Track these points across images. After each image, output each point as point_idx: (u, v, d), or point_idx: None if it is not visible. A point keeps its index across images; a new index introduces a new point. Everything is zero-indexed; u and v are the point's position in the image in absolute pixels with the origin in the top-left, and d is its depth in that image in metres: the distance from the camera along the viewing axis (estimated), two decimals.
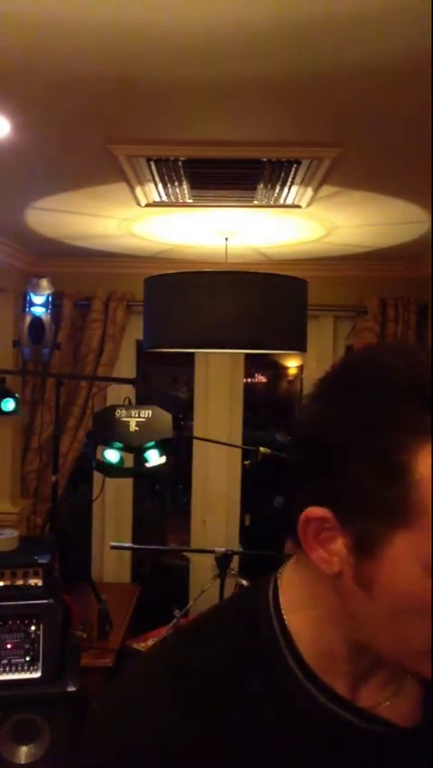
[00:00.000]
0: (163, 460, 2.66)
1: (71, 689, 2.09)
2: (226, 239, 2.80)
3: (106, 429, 2.63)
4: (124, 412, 2.63)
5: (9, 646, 2.10)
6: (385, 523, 0.55)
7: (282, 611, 0.66)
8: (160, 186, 2.15)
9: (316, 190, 2.17)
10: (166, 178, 2.07)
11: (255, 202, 2.34)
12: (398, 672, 0.66)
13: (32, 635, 2.11)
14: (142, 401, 3.05)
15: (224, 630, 0.69)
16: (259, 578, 0.73)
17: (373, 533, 0.56)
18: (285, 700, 0.63)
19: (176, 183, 2.13)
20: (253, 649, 0.65)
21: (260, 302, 2.28)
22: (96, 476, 3.45)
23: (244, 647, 0.65)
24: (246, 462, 3.71)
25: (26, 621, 2.11)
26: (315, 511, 0.59)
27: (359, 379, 0.60)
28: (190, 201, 2.34)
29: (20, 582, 2.14)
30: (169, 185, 2.15)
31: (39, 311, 3.26)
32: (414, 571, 0.55)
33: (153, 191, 2.22)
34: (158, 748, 0.61)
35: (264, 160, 1.89)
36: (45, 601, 2.12)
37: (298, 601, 0.66)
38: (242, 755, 0.61)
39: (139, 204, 2.37)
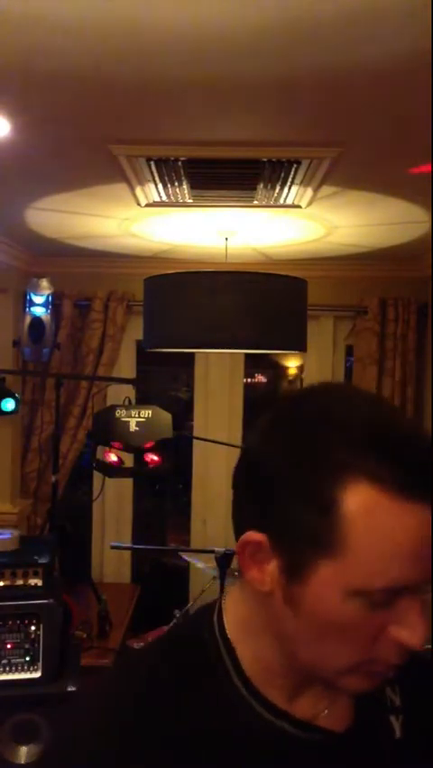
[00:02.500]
0: (163, 460, 2.66)
1: (71, 689, 2.09)
2: (226, 239, 2.81)
3: (106, 429, 2.63)
4: (124, 412, 2.63)
5: (9, 646, 2.10)
6: (312, 551, 0.59)
7: (226, 630, 0.70)
8: (160, 186, 2.15)
9: (316, 190, 2.17)
10: (166, 178, 2.07)
11: (255, 202, 2.34)
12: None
13: (32, 635, 2.11)
14: (142, 401, 3.05)
15: (170, 652, 0.73)
16: (206, 604, 0.77)
17: (300, 559, 0.60)
18: (228, 714, 0.66)
19: (176, 183, 2.13)
20: (199, 668, 0.69)
21: (260, 302, 2.28)
22: (96, 476, 3.45)
23: (189, 667, 0.69)
24: None
25: (26, 621, 2.11)
26: (252, 536, 0.63)
27: (299, 417, 0.65)
28: (190, 201, 2.34)
29: (20, 582, 2.14)
30: (169, 185, 2.15)
31: (39, 311, 3.26)
32: (335, 597, 0.59)
33: (153, 191, 2.22)
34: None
35: (264, 159, 1.89)
36: (45, 601, 2.12)
37: (240, 620, 0.70)
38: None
39: (139, 204, 2.37)
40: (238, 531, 0.66)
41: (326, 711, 0.69)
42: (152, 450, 2.64)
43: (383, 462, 0.57)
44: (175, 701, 0.67)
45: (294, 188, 2.16)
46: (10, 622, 2.09)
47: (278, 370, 4.97)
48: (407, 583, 0.58)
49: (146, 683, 0.69)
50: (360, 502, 0.57)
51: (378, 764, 0.69)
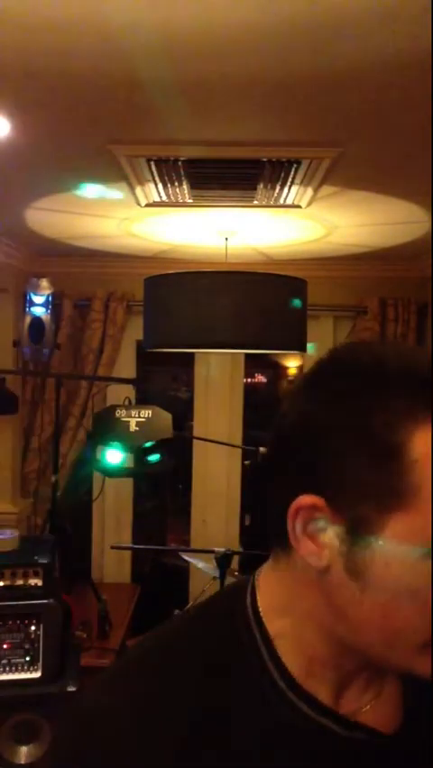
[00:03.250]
0: (163, 460, 2.66)
1: (71, 689, 2.09)
2: (226, 239, 2.80)
3: (106, 429, 2.63)
4: (124, 412, 2.63)
5: (9, 646, 2.10)
6: (380, 506, 0.54)
7: (262, 616, 0.64)
8: (160, 186, 2.15)
9: (316, 190, 2.17)
10: (166, 178, 2.07)
11: (255, 202, 2.34)
12: (377, 675, 0.65)
13: (32, 635, 2.11)
14: (142, 401, 3.05)
15: (200, 640, 0.66)
16: (234, 582, 0.71)
17: (367, 517, 0.55)
18: (268, 711, 0.61)
19: (176, 183, 2.13)
20: (234, 659, 0.63)
21: (260, 302, 2.28)
22: (97, 476, 3.45)
23: (223, 658, 0.63)
24: (246, 462, 3.72)
25: (26, 621, 2.11)
26: (306, 499, 0.57)
27: (350, 366, 0.60)
28: (190, 201, 2.34)
29: (20, 582, 2.14)
30: (169, 185, 2.15)
31: (39, 311, 3.26)
32: (410, 557, 0.54)
33: (153, 191, 2.22)
34: (137, 756, 0.58)
35: (264, 159, 1.89)
36: (45, 601, 2.12)
37: (277, 605, 0.64)
38: (224, 765, 0.59)
39: (139, 204, 2.37)
40: (279, 508, 0.59)
41: (368, 706, 0.64)
42: (151, 450, 2.64)
43: None
44: (207, 698, 0.61)
45: (294, 188, 2.16)
46: (10, 622, 2.09)
47: (278, 370, 4.97)
48: None
49: (173, 677, 0.63)
50: (429, 445, 0.53)
51: None
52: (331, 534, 0.57)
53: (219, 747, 0.59)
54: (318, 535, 0.58)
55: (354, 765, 0.62)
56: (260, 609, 0.64)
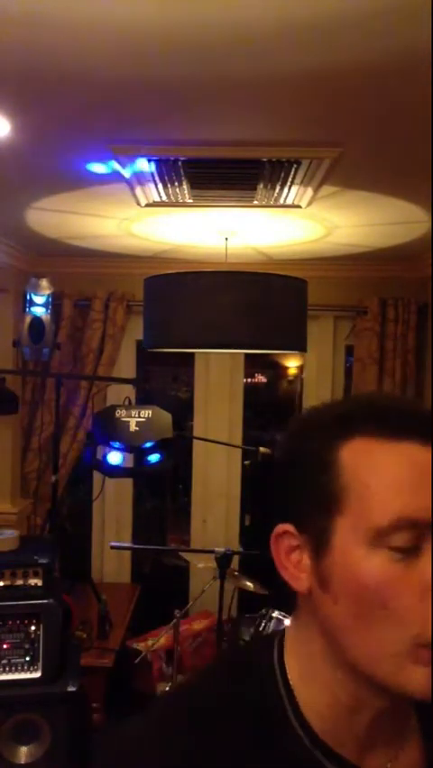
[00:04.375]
0: (163, 460, 2.66)
1: (71, 689, 2.08)
2: (226, 239, 2.81)
3: (106, 429, 2.63)
4: (124, 412, 2.63)
5: (9, 646, 2.10)
6: (327, 514, 0.62)
7: (287, 673, 0.68)
8: (160, 186, 2.15)
9: (316, 190, 2.17)
10: (166, 178, 2.07)
11: (255, 202, 2.34)
12: (400, 731, 0.67)
13: (32, 635, 2.11)
14: (142, 401, 3.05)
15: (227, 701, 0.68)
16: (264, 636, 0.77)
17: (321, 528, 0.62)
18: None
19: (176, 183, 2.13)
20: (261, 719, 0.65)
21: (260, 302, 2.28)
22: (96, 476, 3.45)
23: (250, 719, 0.65)
24: (246, 462, 3.72)
25: (26, 621, 2.11)
26: (280, 527, 0.66)
27: (296, 422, 0.73)
28: (190, 201, 2.34)
29: (20, 582, 2.14)
30: (169, 185, 2.15)
31: (39, 311, 3.26)
32: (359, 555, 0.59)
33: (153, 191, 2.22)
34: None
35: (264, 159, 1.89)
36: (45, 601, 2.11)
37: (298, 656, 0.68)
38: None
39: (139, 204, 2.37)
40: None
41: (389, 765, 0.66)
42: (151, 450, 2.64)
43: (372, 420, 0.63)
44: (237, 755, 0.63)
45: (294, 188, 2.16)
46: (10, 622, 2.09)
47: (278, 370, 4.97)
48: (413, 516, 0.58)
49: (203, 738, 0.65)
50: (354, 453, 0.62)
51: None
52: (305, 558, 0.65)
53: None
54: (297, 561, 0.65)
55: None
56: (285, 660, 0.69)
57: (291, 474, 0.67)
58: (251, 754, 0.63)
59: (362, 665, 0.61)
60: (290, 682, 0.67)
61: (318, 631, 0.65)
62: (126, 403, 2.75)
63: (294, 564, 0.65)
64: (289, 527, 0.65)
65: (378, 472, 0.60)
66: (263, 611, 2.83)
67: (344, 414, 0.67)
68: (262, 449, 3.01)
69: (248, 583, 2.89)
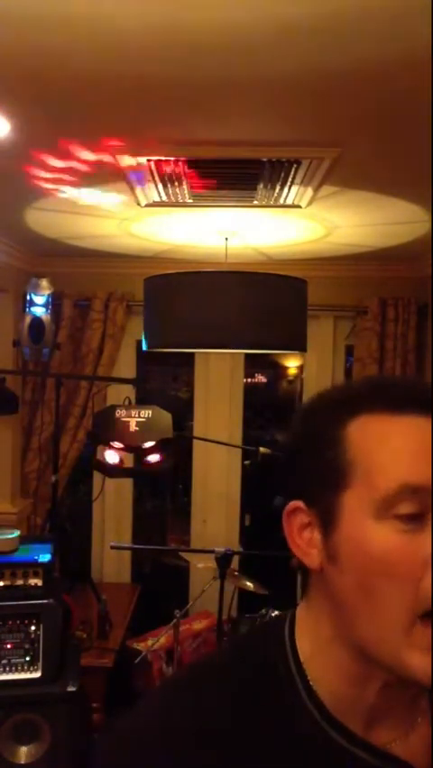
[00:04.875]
0: (163, 460, 2.66)
1: (71, 689, 2.09)
2: (226, 239, 2.80)
3: (106, 429, 2.63)
4: (124, 412, 2.63)
5: (9, 646, 2.10)
6: (335, 489, 0.64)
7: (297, 647, 0.69)
8: (160, 186, 2.15)
9: (316, 190, 2.17)
10: (166, 178, 2.07)
11: (255, 202, 2.34)
12: (409, 711, 0.68)
13: (32, 635, 2.11)
14: (142, 401, 3.05)
15: (237, 670, 0.71)
16: (273, 618, 0.78)
17: (330, 503, 0.64)
18: (302, 741, 0.64)
19: (176, 183, 2.13)
20: (270, 689, 0.67)
21: (260, 302, 2.28)
22: (96, 476, 3.45)
23: (259, 688, 0.68)
24: (246, 462, 3.72)
25: (26, 621, 2.11)
26: (291, 504, 0.68)
27: (306, 404, 0.75)
28: (190, 201, 2.34)
29: (20, 582, 2.14)
30: (169, 185, 2.15)
31: (39, 311, 3.26)
32: (366, 527, 0.61)
33: (153, 191, 2.22)
34: None
35: (264, 159, 1.89)
36: (45, 601, 2.12)
37: (308, 636, 0.69)
38: None
39: (139, 204, 2.37)
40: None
41: (397, 741, 0.67)
42: (151, 450, 2.64)
43: (377, 397, 0.66)
44: (242, 727, 0.65)
45: (294, 188, 2.16)
46: (10, 622, 2.09)
47: (278, 370, 4.97)
48: (417, 483, 0.60)
49: (209, 707, 0.67)
50: (360, 428, 0.65)
51: None
52: (316, 534, 0.66)
53: None
54: (307, 537, 0.67)
55: None
56: (297, 636, 0.71)
57: (301, 453, 0.70)
58: (260, 727, 0.65)
59: (367, 644, 0.63)
60: (301, 659, 0.68)
61: (328, 609, 0.66)
62: (126, 403, 2.75)
63: (306, 541, 0.67)
64: (300, 504, 0.67)
65: (382, 444, 0.63)
66: (263, 611, 2.83)
67: (350, 393, 0.70)
68: (262, 449, 3.01)
69: (248, 583, 2.88)
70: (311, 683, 0.66)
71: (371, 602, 0.61)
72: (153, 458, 2.65)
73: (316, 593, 0.69)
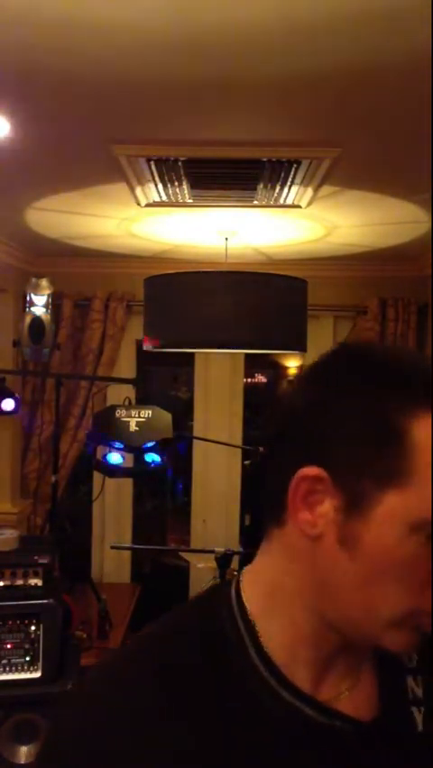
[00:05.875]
0: (163, 460, 2.66)
1: (71, 689, 2.08)
2: (226, 239, 2.80)
3: (106, 429, 2.63)
4: (124, 412, 2.63)
5: (9, 646, 2.10)
6: (378, 482, 0.59)
7: (245, 602, 0.68)
8: (160, 186, 2.15)
9: (316, 190, 2.17)
10: (166, 178, 2.07)
11: (255, 202, 2.34)
12: (355, 663, 0.69)
13: (32, 635, 2.11)
14: (142, 401, 3.04)
15: (184, 631, 0.70)
16: (216, 584, 0.75)
17: (365, 492, 0.59)
18: (248, 697, 0.64)
19: (176, 183, 2.13)
20: (216, 646, 0.66)
21: (260, 302, 2.28)
22: (96, 476, 3.45)
23: (206, 646, 0.67)
24: (246, 462, 3.72)
25: (26, 621, 2.11)
26: (311, 470, 0.61)
27: (363, 360, 0.66)
28: (190, 201, 2.34)
29: (20, 582, 2.14)
30: (169, 185, 2.15)
31: (39, 311, 3.26)
32: (399, 531, 0.58)
33: (153, 191, 2.22)
34: (119, 748, 0.61)
35: (264, 159, 1.89)
36: (45, 601, 2.12)
37: (262, 593, 0.68)
38: (205, 754, 0.62)
39: (139, 204, 2.37)
40: (280, 476, 0.64)
41: (346, 693, 0.67)
42: (151, 450, 2.64)
43: None
44: (191, 684, 0.64)
45: (294, 188, 2.16)
46: (10, 622, 2.09)
47: (278, 370, 4.97)
48: None
49: (159, 666, 0.66)
50: (426, 429, 0.59)
51: (400, 757, 0.67)
52: (328, 506, 0.61)
53: (202, 733, 0.62)
54: (316, 506, 0.62)
55: (333, 752, 0.65)
56: (243, 596, 0.68)
57: (338, 423, 0.62)
58: (205, 681, 0.64)
59: (345, 620, 0.63)
60: (249, 615, 0.67)
61: (300, 572, 0.64)
62: (126, 403, 2.75)
63: (310, 509, 0.62)
64: (321, 473, 0.61)
65: None
66: None
67: (418, 377, 0.62)
68: (262, 449, 3.01)
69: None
70: (260, 639, 0.66)
71: (372, 592, 0.60)
72: (153, 458, 2.64)
73: (282, 551, 0.66)
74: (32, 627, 2.10)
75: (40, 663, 2.09)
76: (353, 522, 0.60)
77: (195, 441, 3.75)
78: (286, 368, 4.81)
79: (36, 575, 2.14)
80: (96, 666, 0.73)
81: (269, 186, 2.13)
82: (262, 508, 0.68)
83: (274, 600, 0.67)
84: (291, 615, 0.66)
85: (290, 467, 0.63)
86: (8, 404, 3.07)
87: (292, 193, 2.21)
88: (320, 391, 0.65)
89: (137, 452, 2.65)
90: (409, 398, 0.60)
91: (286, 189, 2.16)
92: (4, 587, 2.12)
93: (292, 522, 0.63)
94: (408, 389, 0.61)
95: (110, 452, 2.69)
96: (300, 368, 4.34)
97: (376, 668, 0.71)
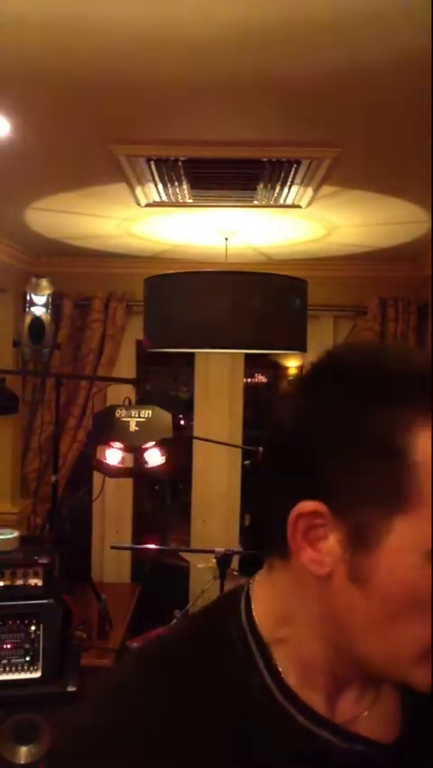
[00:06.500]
0: (163, 460, 2.66)
1: (71, 689, 2.09)
2: (226, 239, 2.80)
3: (106, 429, 2.63)
4: (124, 412, 2.63)
5: (9, 646, 2.10)
6: (383, 510, 0.53)
7: (257, 626, 0.63)
8: (160, 186, 2.15)
9: (316, 190, 2.17)
10: (166, 178, 2.07)
11: (255, 202, 2.34)
12: (373, 682, 0.64)
13: (32, 635, 2.11)
14: (142, 401, 3.04)
15: (196, 651, 0.65)
16: (228, 591, 0.70)
17: (370, 522, 0.54)
18: (264, 722, 0.60)
19: (176, 183, 2.13)
20: (230, 670, 0.62)
21: (260, 302, 2.28)
22: (97, 476, 3.45)
23: (219, 669, 0.62)
24: (246, 462, 3.72)
25: (26, 621, 2.11)
26: (307, 505, 0.55)
27: (349, 369, 0.59)
28: (190, 201, 2.34)
29: (20, 582, 2.14)
30: (169, 185, 2.15)
31: (39, 311, 3.26)
32: (414, 561, 0.53)
33: (153, 191, 2.22)
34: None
35: (264, 159, 1.89)
36: (45, 601, 2.12)
37: (275, 614, 0.63)
38: None
39: (139, 204, 2.37)
40: (276, 515, 0.58)
41: (366, 713, 0.62)
42: (151, 450, 2.64)
43: None
44: (205, 711, 0.59)
45: (294, 188, 2.16)
46: (10, 622, 2.09)
47: (278, 370, 4.96)
48: None
49: (170, 691, 0.61)
50: (430, 447, 0.52)
51: None
52: (333, 541, 0.56)
53: (216, 762, 0.58)
54: (320, 542, 0.56)
55: None
56: (255, 618, 0.63)
57: (330, 446, 0.55)
58: (220, 710, 0.60)
59: (371, 659, 0.58)
60: (263, 638, 0.62)
61: (311, 607, 0.60)
62: (126, 403, 2.75)
63: (314, 546, 0.56)
64: (320, 507, 0.55)
65: None
66: None
67: (413, 383, 0.55)
68: (262, 449, 3.01)
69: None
70: (275, 664, 0.61)
71: (390, 630, 0.55)
72: (153, 458, 2.64)
73: (292, 582, 0.61)
74: (32, 627, 2.11)
75: (40, 663, 2.09)
76: (361, 556, 0.54)
77: (195, 441, 3.75)
78: (286, 368, 4.80)
79: (36, 575, 2.14)
80: (99, 692, 0.68)
81: (269, 186, 2.13)
82: (263, 526, 0.62)
83: (286, 629, 0.62)
84: (304, 645, 0.61)
85: (286, 499, 0.57)
86: (8, 404, 3.07)
87: (292, 193, 2.21)
88: (307, 410, 0.59)
89: (137, 452, 2.65)
90: (399, 409, 0.54)
91: (286, 189, 2.16)
92: (4, 587, 2.12)
93: (297, 560, 0.58)
94: (402, 400, 0.54)
95: (110, 452, 2.68)
96: (300, 368, 4.34)
97: (398, 685, 0.65)
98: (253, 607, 0.64)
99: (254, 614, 0.63)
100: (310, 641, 0.61)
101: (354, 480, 0.54)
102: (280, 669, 0.61)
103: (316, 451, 0.56)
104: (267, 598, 0.64)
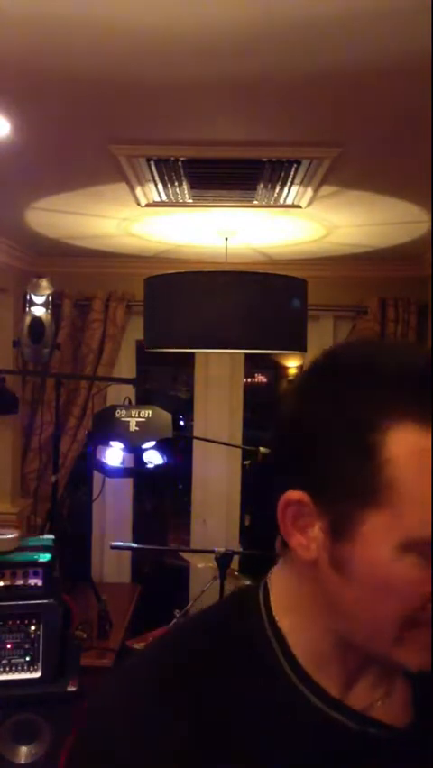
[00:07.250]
0: (163, 460, 2.66)
1: (71, 689, 2.09)
2: (226, 239, 2.80)
3: (106, 429, 2.63)
4: (124, 412, 2.64)
5: (9, 646, 2.10)
6: (357, 503, 0.56)
7: (273, 613, 0.66)
8: (160, 186, 2.15)
9: (316, 190, 2.17)
10: (166, 178, 2.07)
11: (255, 202, 2.34)
12: (387, 672, 0.66)
13: (32, 635, 2.11)
14: (142, 401, 3.05)
15: (214, 634, 0.68)
16: (250, 583, 0.74)
17: (346, 514, 0.57)
18: (279, 703, 0.62)
19: (176, 183, 2.13)
20: (246, 652, 0.65)
21: (260, 302, 2.28)
22: (97, 476, 3.45)
23: (236, 651, 0.65)
24: (246, 462, 3.72)
25: (26, 621, 2.11)
26: (292, 495, 0.60)
27: (337, 367, 0.62)
28: (190, 201, 2.34)
29: (20, 582, 2.14)
30: (169, 185, 2.15)
31: (39, 311, 3.26)
32: (386, 554, 0.55)
33: (153, 191, 2.22)
34: (145, 750, 0.59)
35: (264, 159, 1.89)
36: (45, 601, 2.12)
37: (286, 602, 0.66)
38: (236, 758, 0.60)
39: (139, 204, 2.37)
40: (276, 501, 0.63)
41: (380, 702, 0.65)
42: (151, 450, 2.64)
43: (427, 404, 0.54)
44: (221, 689, 0.62)
45: (294, 188, 2.16)
46: (10, 622, 2.09)
47: (278, 370, 4.97)
48: None
49: (187, 674, 0.64)
50: (405, 445, 0.54)
51: None
52: (317, 529, 0.60)
53: (233, 743, 0.61)
54: (307, 530, 0.60)
55: (366, 760, 0.63)
56: (272, 607, 0.67)
57: (316, 440, 0.59)
58: (238, 695, 0.63)
59: (359, 639, 0.61)
60: (278, 624, 0.65)
61: (310, 593, 0.63)
62: (126, 403, 2.75)
63: (302, 532, 0.60)
64: (303, 497, 0.59)
65: (429, 479, 0.54)
66: None
67: (392, 381, 0.57)
68: (262, 449, 3.01)
69: (248, 583, 2.89)
70: (290, 647, 0.64)
71: (370, 612, 0.58)
72: (153, 458, 2.65)
73: (299, 569, 0.64)
74: (32, 627, 2.10)
75: (40, 663, 2.09)
76: (340, 545, 0.58)
77: (195, 441, 3.75)
78: (286, 368, 4.81)
79: (36, 575, 2.14)
80: (117, 677, 0.71)
81: (269, 186, 2.13)
82: (264, 526, 0.67)
83: (295, 612, 0.65)
84: (312, 631, 0.64)
85: (282, 490, 0.61)
86: (8, 404, 3.07)
87: (292, 193, 2.21)
88: (301, 407, 0.63)
89: (137, 452, 2.65)
90: (380, 405, 0.56)
91: (286, 189, 2.16)
92: (4, 587, 2.12)
93: (290, 544, 0.62)
94: (382, 396, 0.56)
95: (110, 452, 2.69)
96: (300, 368, 4.34)
97: (410, 677, 0.68)
98: (270, 596, 0.68)
99: (271, 603, 0.67)
100: (316, 628, 0.64)
101: (335, 473, 0.58)
102: (294, 652, 0.64)
103: (305, 445, 0.60)
104: (280, 588, 0.68)
